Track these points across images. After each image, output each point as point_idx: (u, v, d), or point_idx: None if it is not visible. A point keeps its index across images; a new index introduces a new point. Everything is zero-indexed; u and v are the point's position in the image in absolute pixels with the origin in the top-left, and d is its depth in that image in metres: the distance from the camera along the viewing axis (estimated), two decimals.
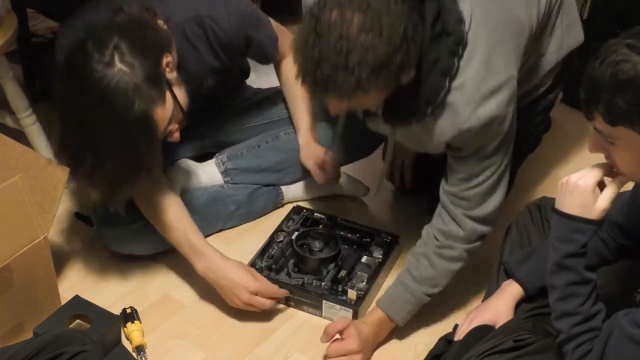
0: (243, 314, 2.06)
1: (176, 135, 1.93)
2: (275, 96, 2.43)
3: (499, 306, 1.82)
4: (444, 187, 1.91)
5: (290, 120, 2.36)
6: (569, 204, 1.54)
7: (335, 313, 2.04)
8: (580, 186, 1.52)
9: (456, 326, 1.86)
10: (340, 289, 2.07)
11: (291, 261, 2.14)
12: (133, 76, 1.75)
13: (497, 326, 1.78)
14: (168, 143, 1.95)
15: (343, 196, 2.44)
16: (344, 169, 2.36)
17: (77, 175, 1.85)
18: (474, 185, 1.86)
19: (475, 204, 1.88)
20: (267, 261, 2.14)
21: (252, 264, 2.13)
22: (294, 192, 2.40)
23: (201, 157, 2.35)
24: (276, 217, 2.34)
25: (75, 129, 1.79)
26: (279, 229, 2.24)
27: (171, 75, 1.86)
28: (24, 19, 2.66)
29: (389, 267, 2.19)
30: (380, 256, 2.16)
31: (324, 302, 2.04)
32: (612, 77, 1.39)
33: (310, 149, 2.27)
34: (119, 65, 1.75)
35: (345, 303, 2.03)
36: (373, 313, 1.99)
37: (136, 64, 1.76)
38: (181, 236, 2.03)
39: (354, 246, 2.20)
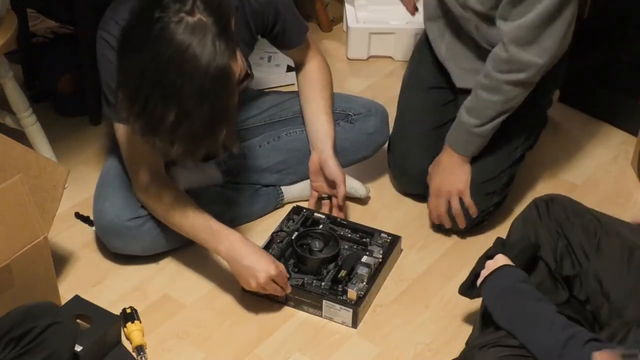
0: (246, 311, 2.07)
1: (236, 97, 1.89)
2: (277, 97, 2.43)
3: None
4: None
5: (291, 121, 2.36)
6: None
7: (335, 313, 2.04)
8: None
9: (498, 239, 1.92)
10: (340, 289, 2.07)
11: (291, 261, 2.14)
12: (213, 28, 1.72)
13: None
14: None
15: None
16: (345, 169, 2.36)
17: (159, 133, 1.77)
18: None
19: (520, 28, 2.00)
20: None
21: None
22: (294, 192, 2.40)
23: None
24: (276, 217, 2.34)
25: (155, 86, 1.72)
26: (279, 229, 2.23)
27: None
28: (24, 19, 2.66)
29: (389, 267, 2.19)
30: (380, 256, 2.16)
31: (324, 302, 2.05)
32: None
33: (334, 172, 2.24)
34: (199, 15, 1.72)
35: (345, 303, 2.03)
36: (443, 150, 2.23)
37: (213, 18, 1.73)
38: (200, 223, 2.02)
39: (354, 246, 2.20)
